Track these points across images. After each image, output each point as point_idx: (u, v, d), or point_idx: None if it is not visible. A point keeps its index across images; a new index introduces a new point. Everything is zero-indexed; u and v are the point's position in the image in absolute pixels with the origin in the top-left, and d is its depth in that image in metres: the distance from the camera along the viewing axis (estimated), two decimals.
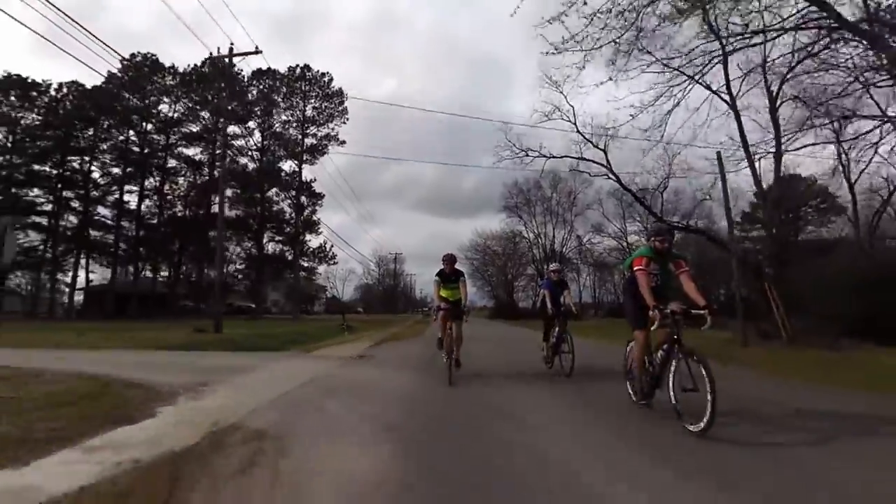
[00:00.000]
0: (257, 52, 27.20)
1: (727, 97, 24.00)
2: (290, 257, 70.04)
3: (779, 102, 23.89)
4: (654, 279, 6.83)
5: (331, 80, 69.34)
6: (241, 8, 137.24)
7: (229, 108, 67.11)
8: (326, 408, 8.18)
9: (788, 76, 22.14)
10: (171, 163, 69.72)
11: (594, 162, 29.89)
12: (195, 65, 65.62)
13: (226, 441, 6.07)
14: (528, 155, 29.80)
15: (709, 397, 5.61)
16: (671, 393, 6.24)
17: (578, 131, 28.13)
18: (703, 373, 5.73)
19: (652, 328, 6.52)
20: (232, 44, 27.31)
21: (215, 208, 70.01)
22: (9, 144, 63.19)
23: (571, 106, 28.81)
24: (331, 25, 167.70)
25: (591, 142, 28.83)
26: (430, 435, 6.38)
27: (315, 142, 69.66)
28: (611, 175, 30.08)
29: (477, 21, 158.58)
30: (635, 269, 6.80)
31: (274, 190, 69.34)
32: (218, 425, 6.75)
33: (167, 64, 66.75)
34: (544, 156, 30.11)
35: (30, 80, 62.08)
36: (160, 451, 5.49)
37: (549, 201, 72.75)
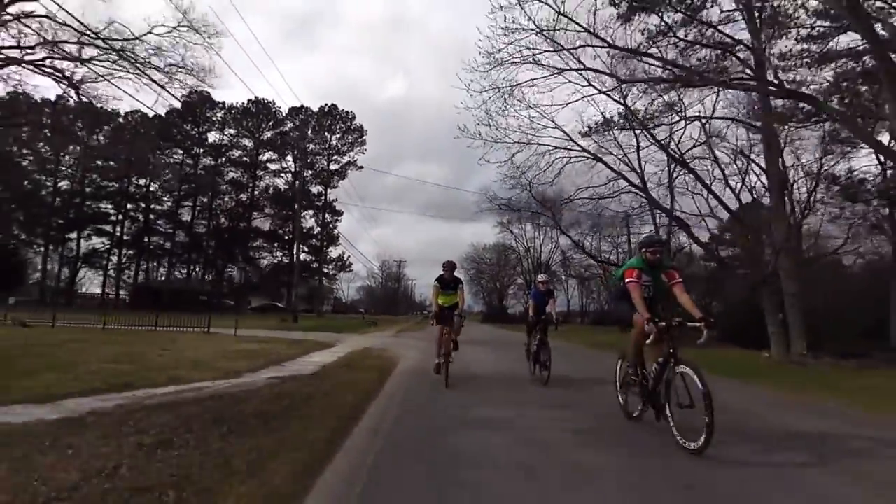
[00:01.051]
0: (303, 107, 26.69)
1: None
2: (314, 265, 72.02)
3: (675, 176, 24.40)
4: (646, 291, 5.84)
5: (353, 117, 71.65)
6: (255, 6, 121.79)
7: (268, 137, 71.29)
8: (400, 347, 19.58)
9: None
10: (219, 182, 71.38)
11: (547, 216, 33.16)
12: (243, 102, 68.30)
13: (368, 353, 16.28)
14: (500, 208, 30.02)
15: (706, 414, 4.64)
16: (667, 409, 5.19)
17: (534, 197, 26.80)
18: (700, 388, 4.73)
19: (647, 342, 5.53)
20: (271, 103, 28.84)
21: (255, 222, 73.14)
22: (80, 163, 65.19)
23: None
24: (343, 24, 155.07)
25: (541, 210, 31.06)
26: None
27: (338, 167, 71.84)
28: (560, 229, 35.92)
29: (489, 23, 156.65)
30: (627, 280, 5.80)
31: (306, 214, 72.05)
32: (360, 349, 17.41)
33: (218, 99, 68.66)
34: (517, 209, 31.20)
35: (101, 108, 63.88)
36: (345, 354, 15.16)
37: (539, 218, 72.59)
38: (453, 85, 60.56)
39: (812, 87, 18.72)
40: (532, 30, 16.40)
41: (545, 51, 17.06)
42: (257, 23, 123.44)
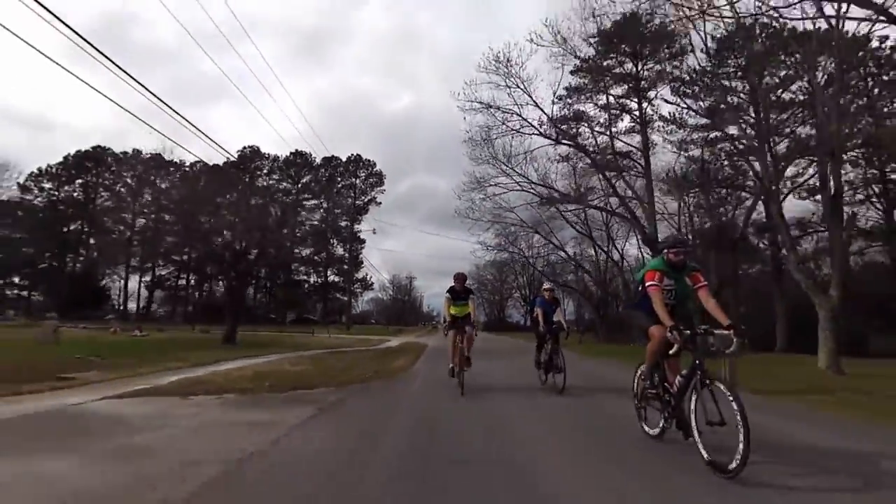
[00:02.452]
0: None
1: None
2: (343, 284, 72.27)
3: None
4: (668, 296, 4.42)
5: (375, 164, 72.30)
6: (267, 21, 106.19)
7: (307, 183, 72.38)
8: (423, 341, 27.61)
9: None
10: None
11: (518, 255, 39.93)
12: (287, 154, 69.28)
13: (410, 343, 26.09)
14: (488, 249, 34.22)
15: (740, 432, 3.35)
16: (693, 427, 3.83)
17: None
18: (733, 403, 3.47)
19: (671, 352, 4.24)
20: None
21: (295, 251, 73.53)
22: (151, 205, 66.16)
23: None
24: (353, 39, 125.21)
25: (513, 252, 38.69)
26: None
27: (362, 204, 71.87)
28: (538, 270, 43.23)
29: (496, 37, 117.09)
30: (647, 284, 4.37)
31: (334, 239, 72.78)
32: (405, 341, 27.42)
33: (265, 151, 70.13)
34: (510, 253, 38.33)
35: (170, 160, 65.39)
36: (399, 343, 25.80)
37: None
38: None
39: None
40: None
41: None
42: (267, 42, 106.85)
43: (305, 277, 73.40)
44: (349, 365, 12.29)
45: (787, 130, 23.40)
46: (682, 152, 26.43)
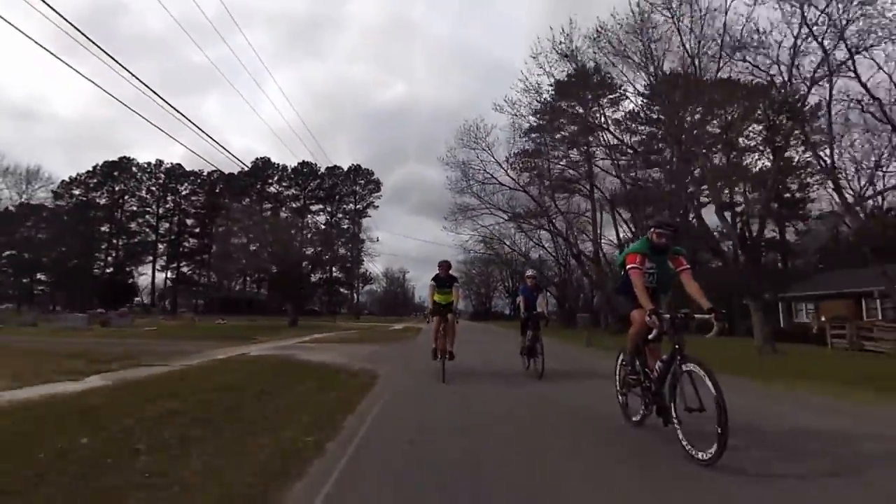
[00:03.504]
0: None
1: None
2: (345, 280, 71.39)
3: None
4: (649, 279, 3.79)
5: (373, 173, 71.19)
6: (260, 10, 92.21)
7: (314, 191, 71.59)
8: (418, 325, 29.98)
9: None
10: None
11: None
12: (295, 164, 68.34)
13: (409, 326, 31.27)
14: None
15: (719, 419, 2.91)
16: (673, 413, 3.33)
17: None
18: (712, 389, 2.99)
19: (649, 337, 3.65)
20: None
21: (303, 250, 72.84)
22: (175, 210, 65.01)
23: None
24: (346, 29, 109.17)
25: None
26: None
27: (361, 208, 71.18)
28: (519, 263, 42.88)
29: (488, 29, 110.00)
30: (629, 266, 3.75)
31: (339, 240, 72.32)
32: (405, 326, 33.39)
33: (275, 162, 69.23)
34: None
35: (190, 171, 64.62)
36: (403, 326, 32.85)
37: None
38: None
39: None
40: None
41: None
42: (257, 32, 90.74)
43: (313, 274, 72.52)
44: (386, 334, 21.47)
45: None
46: (623, 175, 28.96)
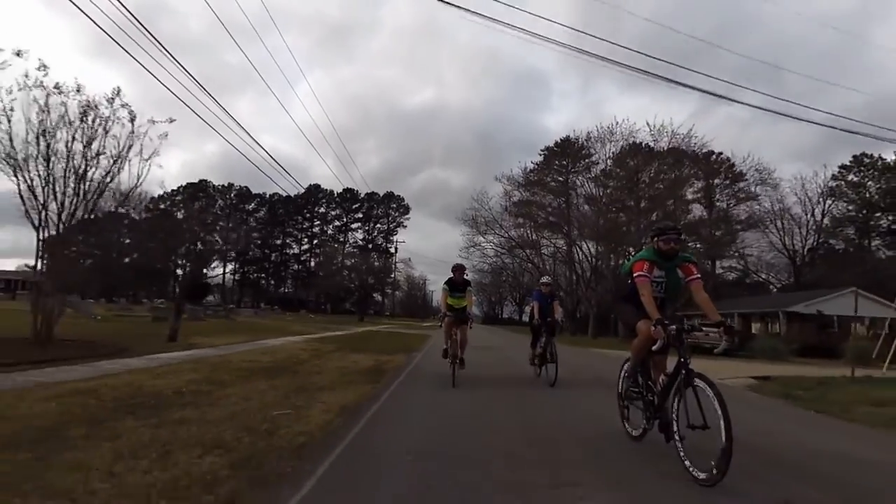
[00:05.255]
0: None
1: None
2: (377, 286, 71.57)
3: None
4: (657, 288, 3.10)
5: (403, 199, 71.04)
6: (294, 12, 76.86)
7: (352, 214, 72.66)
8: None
9: None
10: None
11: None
12: (343, 190, 69.21)
13: (432, 326, 26.46)
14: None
15: (723, 438, 2.32)
16: (675, 429, 2.70)
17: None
18: (716, 406, 2.42)
19: (654, 348, 2.98)
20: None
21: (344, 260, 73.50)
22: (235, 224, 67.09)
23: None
24: (378, 32, 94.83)
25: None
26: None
27: (391, 228, 71.54)
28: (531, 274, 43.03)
29: (515, 36, 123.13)
30: (636, 275, 3.05)
31: (374, 254, 72.95)
32: (429, 324, 32.38)
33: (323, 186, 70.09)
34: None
35: (256, 193, 66.53)
36: (427, 325, 33.02)
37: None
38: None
39: None
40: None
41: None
42: (293, 34, 77.59)
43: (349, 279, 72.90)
44: (424, 330, 24.23)
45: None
46: (601, 218, 32.62)
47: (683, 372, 2.72)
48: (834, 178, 38.29)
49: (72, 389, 4.11)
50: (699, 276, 3.11)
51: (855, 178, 39.10)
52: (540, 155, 38.59)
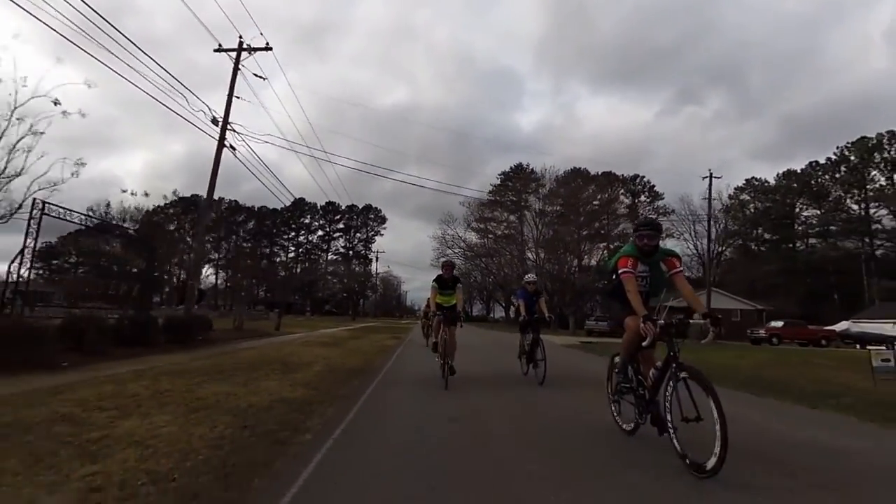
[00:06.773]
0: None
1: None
2: (357, 289, 69.29)
3: None
4: (642, 283, 2.75)
5: (381, 210, 69.44)
6: (267, 14, 73.14)
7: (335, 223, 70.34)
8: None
9: None
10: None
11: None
12: (325, 203, 66.52)
13: (411, 324, 27.39)
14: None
15: (717, 429, 1.98)
16: (668, 423, 2.36)
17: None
18: (709, 398, 2.08)
19: (644, 344, 2.56)
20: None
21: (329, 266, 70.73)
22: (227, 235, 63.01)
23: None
24: (351, 33, 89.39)
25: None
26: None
27: (369, 237, 69.84)
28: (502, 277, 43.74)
29: (490, 36, 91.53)
30: (620, 271, 2.68)
31: (355, 262, 70.69)
32: (407, 323, 33.03)
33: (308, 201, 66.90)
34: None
35: (241, 205, 63.18)
36: (405, 323, 31.53)
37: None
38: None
39: None
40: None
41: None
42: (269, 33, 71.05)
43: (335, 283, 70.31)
44: (406, 325, 24.17)
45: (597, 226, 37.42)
46: (551, 230, 35.57)
47: (674, 365, 2.39)
48: (729, 197, 41.95)
49: (257, 350, 8.37)
50: (682, 269, 2.77)
51: (747, 197, 43.13)
52: (497, 179, 43.49)
